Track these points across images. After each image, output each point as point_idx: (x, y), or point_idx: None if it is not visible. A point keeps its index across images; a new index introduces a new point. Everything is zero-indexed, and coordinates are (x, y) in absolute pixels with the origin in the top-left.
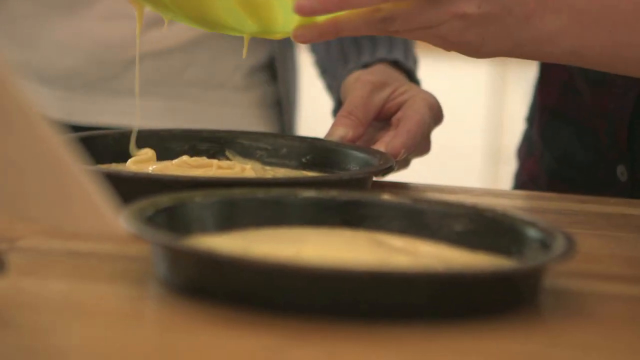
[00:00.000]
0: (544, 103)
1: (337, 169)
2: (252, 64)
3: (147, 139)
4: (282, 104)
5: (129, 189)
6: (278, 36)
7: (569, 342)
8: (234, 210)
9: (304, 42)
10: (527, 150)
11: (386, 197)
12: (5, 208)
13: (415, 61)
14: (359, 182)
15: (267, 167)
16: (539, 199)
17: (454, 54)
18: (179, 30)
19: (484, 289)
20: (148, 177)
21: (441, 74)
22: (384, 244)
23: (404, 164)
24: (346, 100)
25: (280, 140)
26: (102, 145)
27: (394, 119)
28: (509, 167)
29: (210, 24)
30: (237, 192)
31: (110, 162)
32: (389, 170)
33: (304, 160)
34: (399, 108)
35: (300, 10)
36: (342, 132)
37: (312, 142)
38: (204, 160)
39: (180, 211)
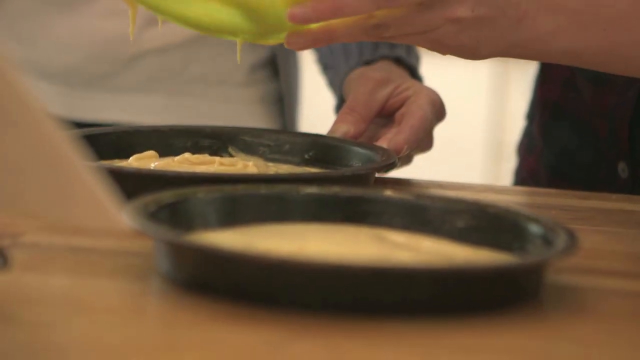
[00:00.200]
0: (545, 100)
1: (339, 165)
2: (254, 61)
3: (150, 135)
4: (284, 101)
5: (131, 185)
6: (271, 42)
7: (570, 337)
8: (237, 206)
9: (297, 49)
10: (527, 147)
11: (389, 193)
12: (8, 203)
13: (417, 58)
14: (362, 179)
15: (270, 164)
16: (541, 195)
17: None
18: (181, 27)
19: (486, 284)
20: (151, 174)
21: (443, 70)
22: (386, 240)
23: (407, 160)
24: (349, 96)
25: (282, 136)
26: (105, 142)
27: (397, 116)
28: (510, 164)
29: (203, 27)
30: (240, 188)
31: (113, 158)
32: (391, 166)
33: (306, 156)
34: (401, 104)
35: (293, 19)
36: (344, 129)
37: (314, 139)
38: (205, 157)
39: (182, 207)
